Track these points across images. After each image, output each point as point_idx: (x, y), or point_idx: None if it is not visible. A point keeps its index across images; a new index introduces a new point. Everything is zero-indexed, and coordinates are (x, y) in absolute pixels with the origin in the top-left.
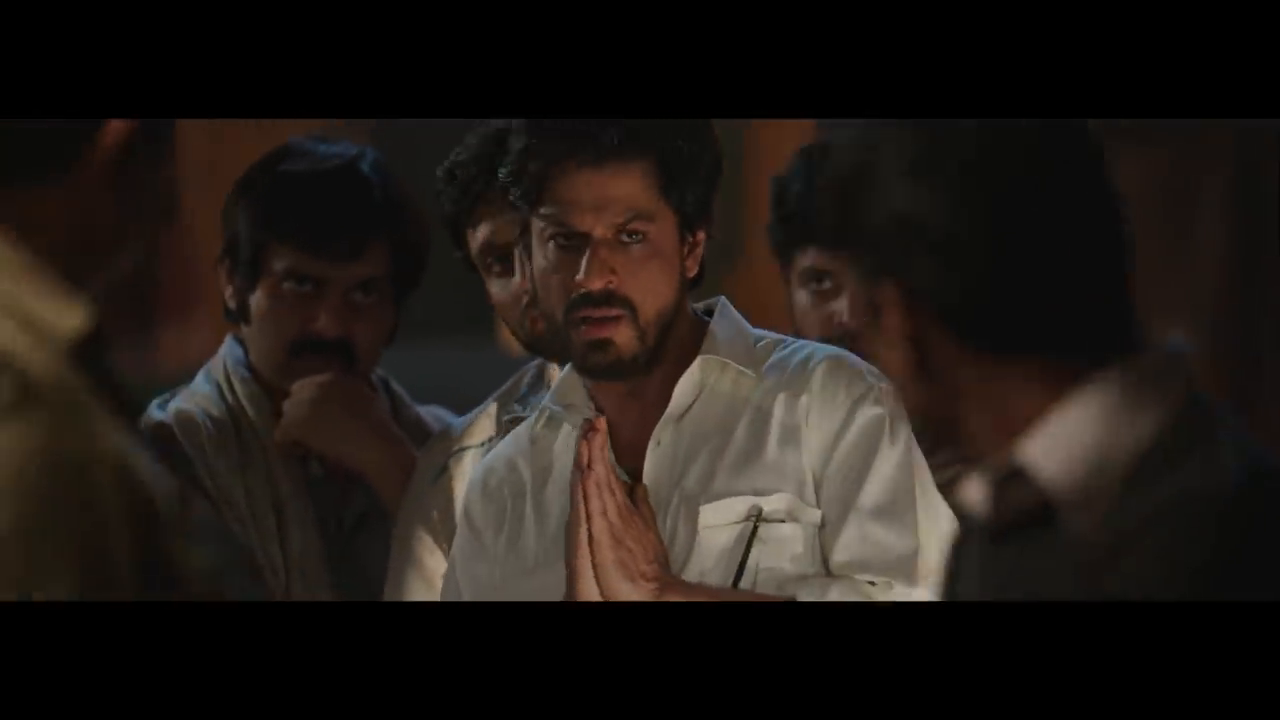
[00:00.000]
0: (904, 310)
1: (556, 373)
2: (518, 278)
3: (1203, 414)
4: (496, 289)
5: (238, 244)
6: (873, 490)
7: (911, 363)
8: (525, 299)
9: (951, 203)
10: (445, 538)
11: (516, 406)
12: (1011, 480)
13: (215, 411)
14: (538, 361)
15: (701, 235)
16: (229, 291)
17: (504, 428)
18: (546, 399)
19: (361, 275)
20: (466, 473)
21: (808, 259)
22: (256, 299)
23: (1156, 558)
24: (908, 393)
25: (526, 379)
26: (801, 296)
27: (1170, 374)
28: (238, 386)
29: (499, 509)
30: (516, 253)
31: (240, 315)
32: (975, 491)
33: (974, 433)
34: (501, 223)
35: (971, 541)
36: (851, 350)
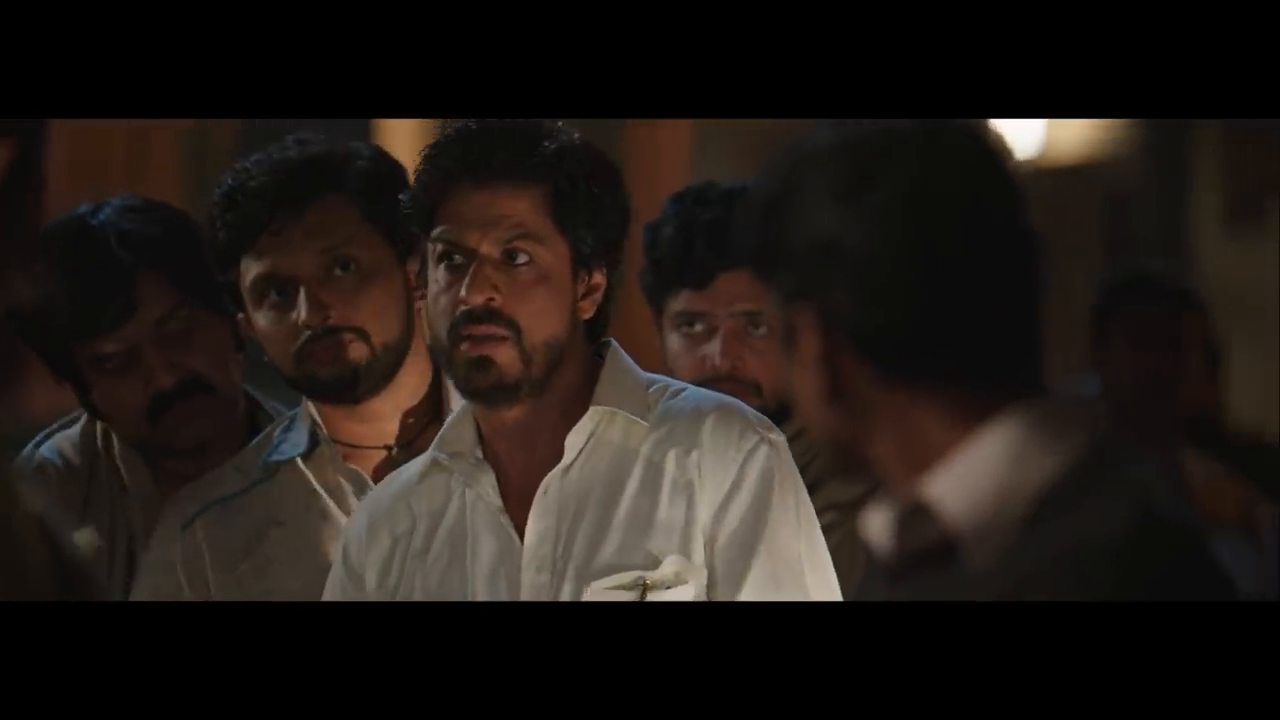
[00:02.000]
0: (820, 335)
1: (314, 411)
2: (303, 314)
3: (1106, 458)
4: (267, 321)
5: (45, 358)
6: (764, 562)
7: (824, 387)
8: (305, 335)
9: (873, 230)
10: (191, 587)
11: (271, 455)
12: (914, 516)
13: (77, 460)
14: (291, 412)
15: (600, 279)
16: (76, 396)
17: (260, 475)
18: (432, 448)
19: (155, 316)
20: (215, 521)
21: (679, 303)
22: (95, 394)
23: (1053, 600)
24: (820, 418)
25: (280, 428)
26: (673, 340)
27: (1076, 416)
28: (115, 445)
29: (383, 551)
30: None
31: (95, 413)
32: (877, 525)
33: (883, 461)
34: (286, 256)
35: (874, 578)
36: (720, 389)
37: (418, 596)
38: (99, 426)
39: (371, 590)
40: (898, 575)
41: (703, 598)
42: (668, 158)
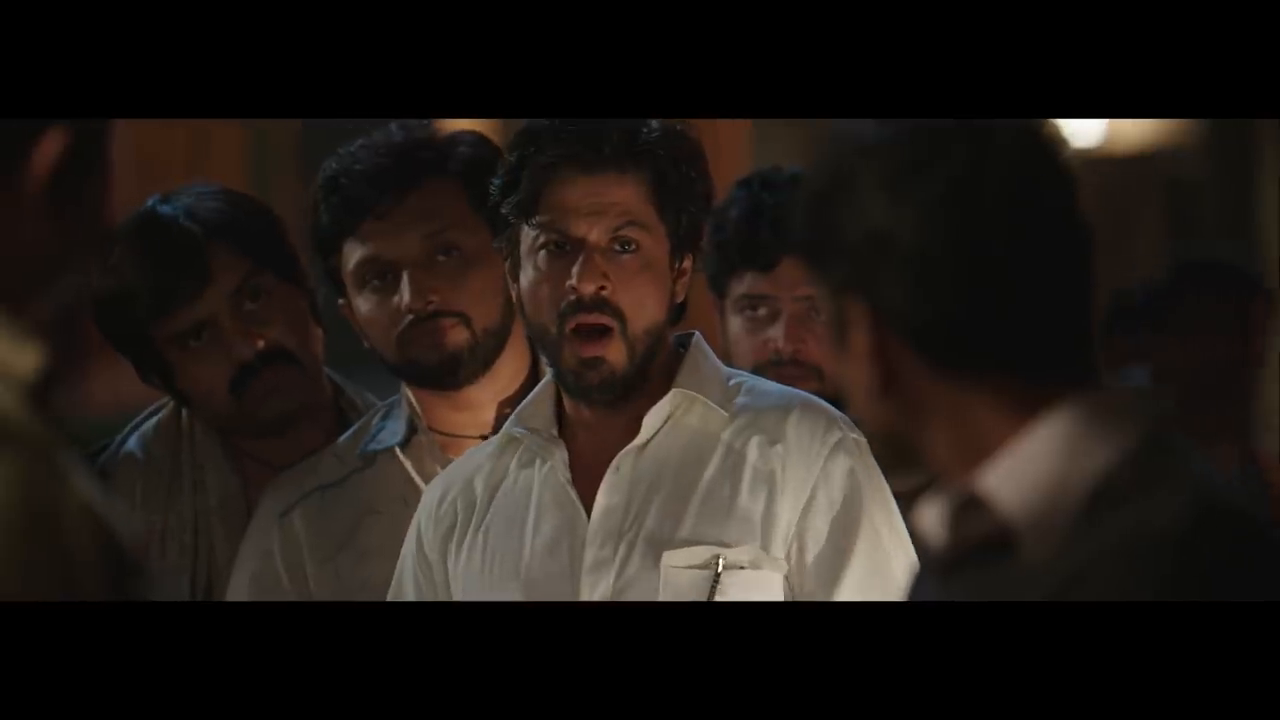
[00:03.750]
0: (872, 327)
1: (412, 400)
2: (406, 298)
3: (1162, 449)
4: (369, 305)
5: (129, 350)
6: (861, 563)
7: (877, 380)
8: (408, 320)
9: (925, 222)
10: (290, 575)
11: (370, 444)
12: (968, 508)
13: (160, 452)
14: (389, 400)
15: (689, 263)
16: (157, 384)
17: (359, 464)
18: (509, 423)
19: (230, 285)
20: (314, 511)
21: (743, 286)
22: (179, 377)
23: (1108, 593)
24: (873, 411)
25: (378, 416)
26: (735, 323)
27: (1131, 408)
28: (196, 433)
29: (448, 527)
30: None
31: (184, 400)
32: (931, 517)
33: (937, 453)
34: (390, 240)
35: (928, 571)
36: (782, 373)
37: (474, 569)
38: (182, 416)
39: (436, 566)
40: (951, 568)
41: (776, 589)
42: (727, 149)
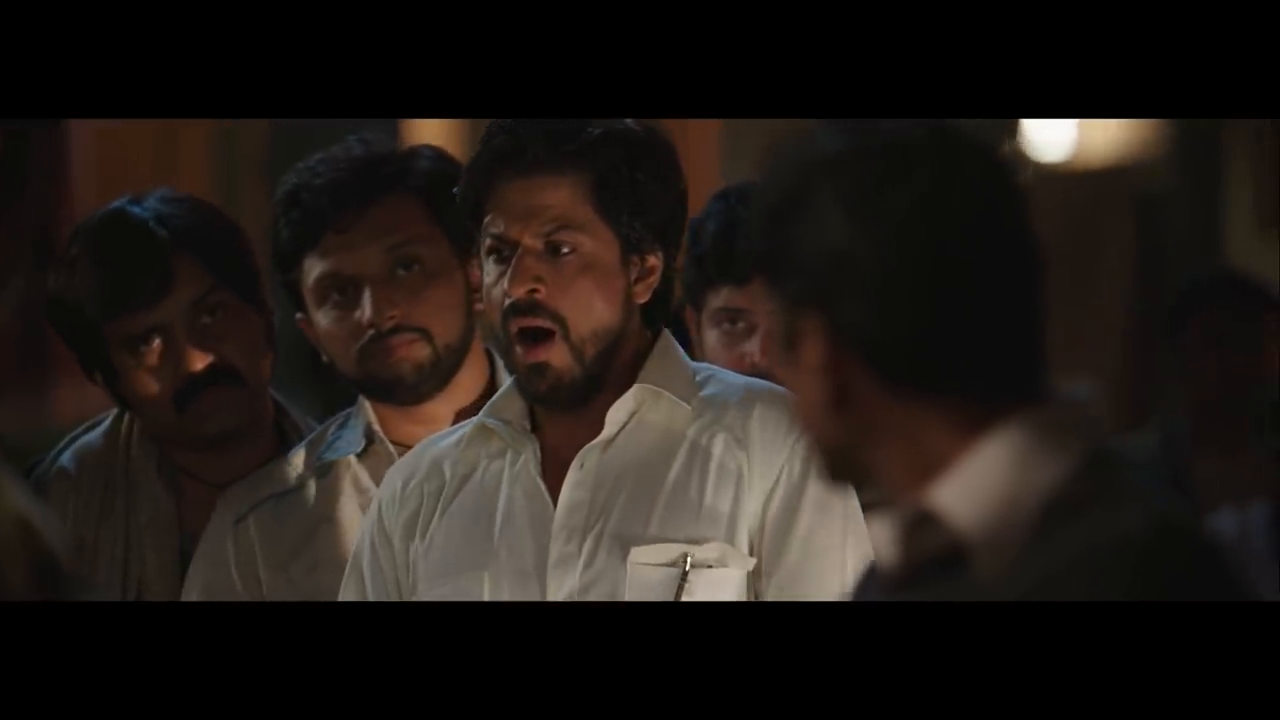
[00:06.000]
0: (826, 342)
1: (370, 411)
2: (367, 314)
3: (1111, 463)
4: (329, 321)
5: (77, 345)
6: (800, 549)
7: (829, 396)
8: (369, 335)
9: (884, 240)
10: (244, 582)
11: (326, 453)
12: (921, 525)
13: (95, 467)
14: (345, 411)
15: (655, 262)
16: (100, 383)
17: (314, 472)
18: (482, 413)
19: (189, 296)
20: (269, 518)
21: (720, 299)
22: (124, 380)
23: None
24: (820, 425)
25: (334, 426)
26: (711, 336)
27: (1077, 422)
28: (134, 444)
29: (412, 511)
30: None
31: (127, 403)
32: (883, 535)
33: (888, 470)
34: (351, 255)
35: (877, 586)
36: None
37: (438, 556)
38: (124, 426)
39: (398, 550)
40: (904, 586)
41: (742, 585)
42: (695, 155)
